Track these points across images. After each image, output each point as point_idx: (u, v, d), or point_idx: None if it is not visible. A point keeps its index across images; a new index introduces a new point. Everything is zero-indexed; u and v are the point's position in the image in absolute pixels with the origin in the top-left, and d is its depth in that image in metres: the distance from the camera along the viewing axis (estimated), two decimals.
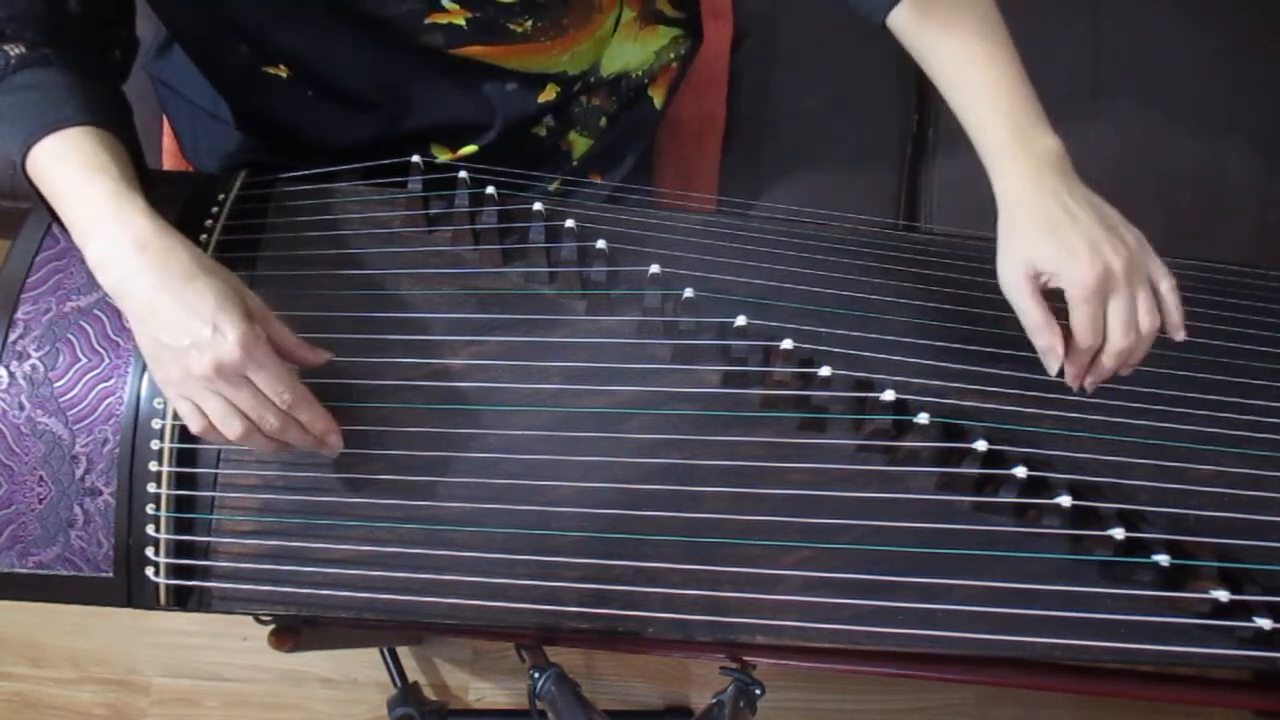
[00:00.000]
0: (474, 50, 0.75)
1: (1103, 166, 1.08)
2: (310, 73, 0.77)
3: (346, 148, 0.81)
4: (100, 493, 0.65)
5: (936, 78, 0.66)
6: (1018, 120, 0.62)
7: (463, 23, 0.72)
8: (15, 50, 0.62)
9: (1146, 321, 0.61)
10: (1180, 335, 0.63)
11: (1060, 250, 0.60)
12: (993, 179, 0.63)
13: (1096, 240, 0.59)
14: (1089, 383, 0.64)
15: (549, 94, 0.83)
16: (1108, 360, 0.62)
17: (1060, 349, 0.61)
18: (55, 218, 0.62)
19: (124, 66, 0.71)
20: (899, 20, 0.66)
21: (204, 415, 0.59)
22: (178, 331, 0.57)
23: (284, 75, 0.77)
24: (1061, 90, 1.11)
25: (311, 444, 0.62)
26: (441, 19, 0.72)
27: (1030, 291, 0.61)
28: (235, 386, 0.58)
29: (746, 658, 0.75)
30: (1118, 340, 0.60)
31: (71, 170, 0.59)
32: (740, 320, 0.67)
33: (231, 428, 0.58)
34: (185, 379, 0.58)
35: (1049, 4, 1.16)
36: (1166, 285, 0.62)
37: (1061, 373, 0.63)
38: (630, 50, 0.90)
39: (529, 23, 0.75)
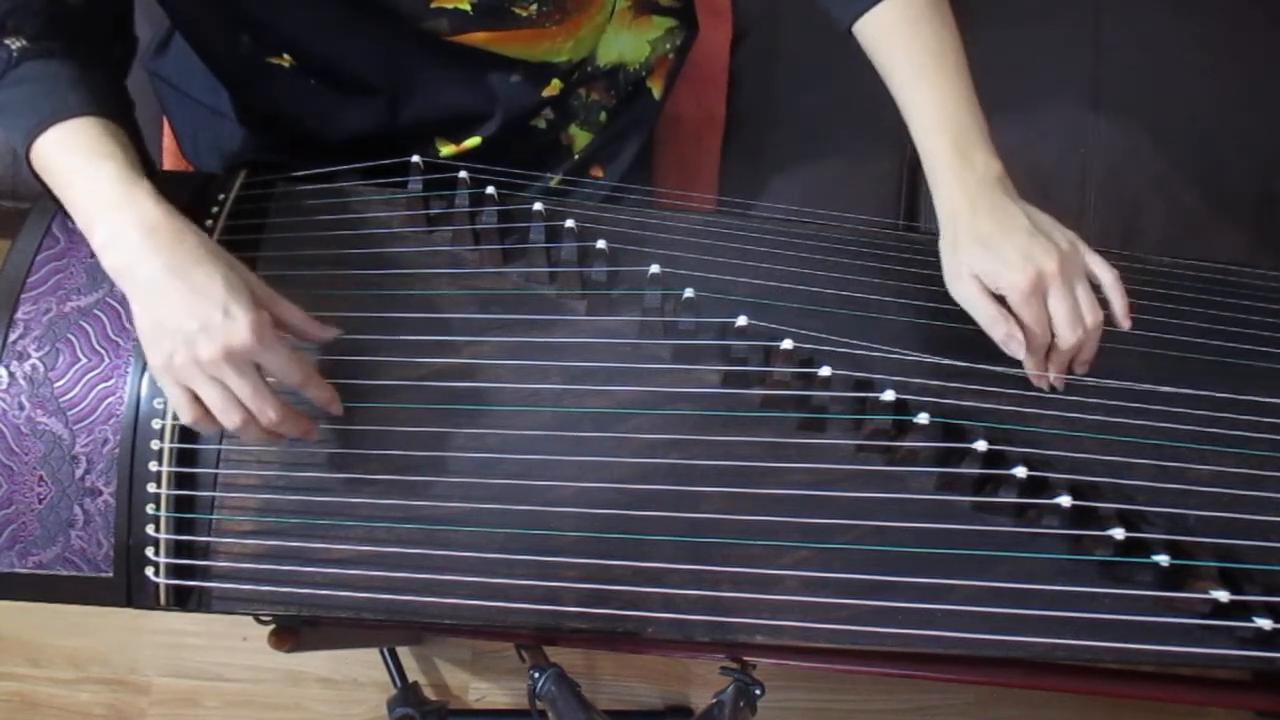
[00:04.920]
0: (478, 36, 0.75)
1: (1103, 166, 1.09)
2: (313, 62, 0.77)
3: (349, 142, 0.81)
4: (100, 493, 0.65)
5: (892, 90, 0.69)
6: (960, 142, 0.66)
7: (468, 7, 0.72)
8: (17, 43, 0.62)
9: (1089, 316, 0.64)
10: (1125, 324, 0.66)
11: (995, 260, 0.63)
12: (934, 195, 0.67)
13: (1026, 247, 0.63)
14: (1053, 378, 0.68)
15: (553, 89, 0.83)
16: (1060, 356, 0.66)
17: (1019, 334, 0.64)
18: (61, 207, 0.62)
19: (124, 62, 0.71)
20: (862, 29, 0.70)
21: (198, 403, 0.58)
22: (185, 315, 0.56)
23: (287, 65, 0.77)
24: (1062, 90, 1.11)
25: (303, 429, 0.62)
26: (447, 3, 0.71)
27: (978, 290, 0.65)
28: (240, 374, 0.57)
29: (746, 658, 0.75)
30: (1066, 335, 0.64)
31: (76, 157, 0.59)
32: (741, 320, 0.67)
33: (231, 417, 0.58)
34: (188, 364, 0.57)
35: (1049, 4, 1.16)
36: (1109, 278, 0.66)
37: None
38: (625, 40, 0.90)
39: (533, 7, 0.74)
